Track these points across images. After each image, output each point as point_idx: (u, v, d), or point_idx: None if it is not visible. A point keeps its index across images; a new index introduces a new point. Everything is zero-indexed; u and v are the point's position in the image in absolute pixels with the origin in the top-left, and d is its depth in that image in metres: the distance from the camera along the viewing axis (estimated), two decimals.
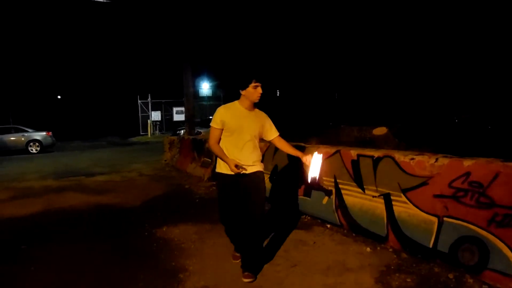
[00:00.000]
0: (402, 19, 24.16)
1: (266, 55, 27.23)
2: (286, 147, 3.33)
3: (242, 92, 3.04)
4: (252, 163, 3.10)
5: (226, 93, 28.84)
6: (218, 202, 3.31)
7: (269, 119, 3.28)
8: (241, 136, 3.06)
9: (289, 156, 5.18)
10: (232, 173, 3.03)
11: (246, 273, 3.08)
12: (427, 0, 24.18)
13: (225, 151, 3.08)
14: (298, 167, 5.04)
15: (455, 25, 22.91)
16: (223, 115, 3.06)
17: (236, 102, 3.14)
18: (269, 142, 3.36)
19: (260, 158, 3.22)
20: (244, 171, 3.04)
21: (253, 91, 2.99)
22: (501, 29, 21.39)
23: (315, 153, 3.18)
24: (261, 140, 3.31)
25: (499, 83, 21.57)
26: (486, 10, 21.55)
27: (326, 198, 4.49)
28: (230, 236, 3.41)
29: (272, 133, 3.28)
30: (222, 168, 3.14)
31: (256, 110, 3.20)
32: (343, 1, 25.85)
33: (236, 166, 2.99)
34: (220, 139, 3.12)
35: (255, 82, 2.98)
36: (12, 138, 16.00)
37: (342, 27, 25.92)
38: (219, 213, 3.31)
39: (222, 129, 3.08)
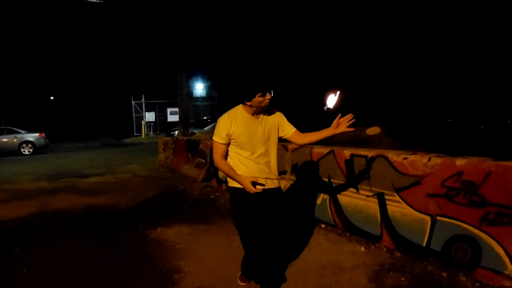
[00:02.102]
0: (397, 19, 24.31)
1: (261, 56, 27.25)
2: (313, 137, 2.81)
3: (248, 103, 2.57)
4: (271, 176, 2.69)
5: (220, 93, 28.82)
6: (238, 227, 2.76)
7: (282, 116, 2.80)
8: (254, 147, 2.62)
9: (281, 160, 5.20)
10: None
11: (242, 277, 3.03)
12: (423, 1, 24.36)
13: (239, 166, 2.62)
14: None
15: (449, 25, 23.10)
16: (228, 127, 2.58)
17: (239, 107, 2.64)
18: (291, 142, 2.87)
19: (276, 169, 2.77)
20: (263, 187, 2.58)
21: (261, 99, 2.51)
22: (495, 31, 21.60)
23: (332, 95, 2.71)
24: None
25: (492, 84, 21.78)
26: (480, 11, 21.75)
27: (321, 198, 4.51)
28: (256, 263, 2.77)
29: (288, 129, 2.78)
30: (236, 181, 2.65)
31: (261, 114, 2.69)
32: (339, 1, 25.97)
33: (253, 183, 2.53)
34: (227, 153, 2.68)
35: (261, 92, 2.51)
36: (4, 140, 15.84)
37: (335, 26, 26.02)
38: (241, 240, 2.77)
39: (228, 144, 2.64)
